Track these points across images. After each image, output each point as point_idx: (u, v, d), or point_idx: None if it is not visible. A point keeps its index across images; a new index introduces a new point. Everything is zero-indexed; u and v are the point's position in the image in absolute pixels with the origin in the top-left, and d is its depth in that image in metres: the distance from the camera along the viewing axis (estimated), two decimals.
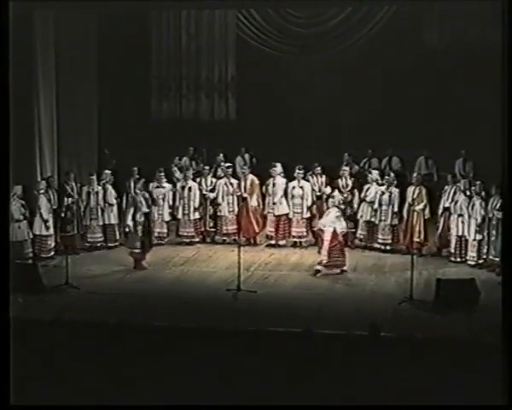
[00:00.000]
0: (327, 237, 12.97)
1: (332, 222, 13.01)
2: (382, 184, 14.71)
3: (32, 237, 13.60)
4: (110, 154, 17.14)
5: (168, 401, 7.78)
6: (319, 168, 15.09)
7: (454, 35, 16.91)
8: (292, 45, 17.25)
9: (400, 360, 8.21)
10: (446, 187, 14.21)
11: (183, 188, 15.15)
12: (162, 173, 15.14)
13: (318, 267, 13.04)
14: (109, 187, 14.82)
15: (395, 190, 14.39)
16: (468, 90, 16.37)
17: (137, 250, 13.37)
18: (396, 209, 14.32)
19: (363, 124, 17.30)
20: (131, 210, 13.42)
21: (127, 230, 13.60)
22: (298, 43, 17.19)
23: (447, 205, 13.98)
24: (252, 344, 9.12)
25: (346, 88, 17.50)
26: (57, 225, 14.16)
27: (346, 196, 14.78)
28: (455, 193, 13.89)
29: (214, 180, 15.46)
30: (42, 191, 13.91)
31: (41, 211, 13.76)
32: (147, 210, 13.51)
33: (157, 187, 15.04)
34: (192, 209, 15.09)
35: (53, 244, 14.03)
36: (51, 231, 13.96)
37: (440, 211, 14.15)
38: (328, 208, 13.42)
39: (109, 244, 14.80)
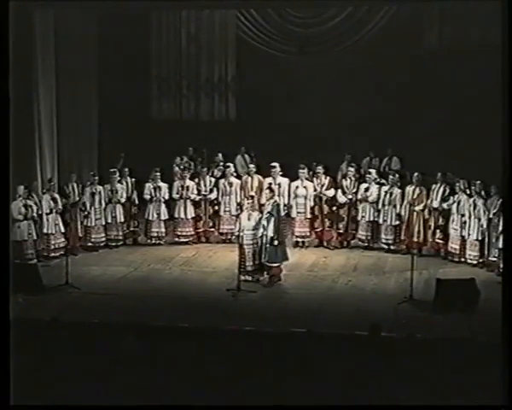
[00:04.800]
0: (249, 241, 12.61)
1: (254, 226, 12.57)
2: (383, 184, 14.72)
3: (35, 237, 13.59)
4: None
5: (168, 401, 7.77)
6: (321, 168, 15.01)
7: (454, 35, 16.90)
8: (292, 45, 17.25)
9: (400, 360, 8.21)
10: (434, 186, 14.20)
11: (182, 187, 15.18)
12: (158, 173, 15.15)
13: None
14: (98, 187, 14.77)
15: (397, 191, 14.41)
16: (468, 90, 16.35)
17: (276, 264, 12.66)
18: (398, 209, 14.34)
19: (363, 124, 17.28)
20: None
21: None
22: (298, 44, 17.19)
23: (436, 205, 13.99)
24: (252, 344, 9.12)
25: (346, 88, 17.50)
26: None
27: (350, 197, 14.76)
28: (444, 192, 13.92)
29: (213, 180, 15.49)
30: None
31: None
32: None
33: (153, 187, 15.07)
34: (190, 208, 15.15)
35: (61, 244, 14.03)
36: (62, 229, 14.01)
37: (430, 210, 14.14)
38: None
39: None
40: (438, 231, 14.08)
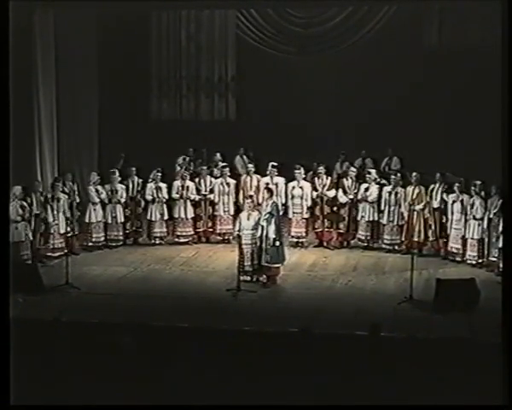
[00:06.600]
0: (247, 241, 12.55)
1: (254, 226, 12.53)
2: (384, 184, 14.72)
3: (31, 238, 13.55)
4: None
5: (168, 401, 7.77)
6: (322, 168, 14.99)
7: (454, 35, 16.91)
8: (292, 45, 17.28)
9: (400, 360, 8.21)
10: (433, 186, 14.17)
11: (182, 187, 15.17)
12: (159, 173, 15.13)
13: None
14: (99, 187, 14.75)
15: (401, 190, 14.40)
16: (468, 90, 16.36)
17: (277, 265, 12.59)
18: (403, 209, 14.34)
19: (363, 124, 17.29)
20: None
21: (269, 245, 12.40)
22: (298, 44, 17.22)
23: (436, 205, 13.98)
24: (252, 344, 9.12)
25: (345, 88, 17.51)
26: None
27: (352, 197, 14.74)
28: (443, 192, 13.91)
29: (213, 180, 15.49)
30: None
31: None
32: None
33: (155, 187, 15.06)
34: (190, 208, 15.15)
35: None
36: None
37: (430, 210, 14.12)
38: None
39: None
40: (438, 230, 14.08)
